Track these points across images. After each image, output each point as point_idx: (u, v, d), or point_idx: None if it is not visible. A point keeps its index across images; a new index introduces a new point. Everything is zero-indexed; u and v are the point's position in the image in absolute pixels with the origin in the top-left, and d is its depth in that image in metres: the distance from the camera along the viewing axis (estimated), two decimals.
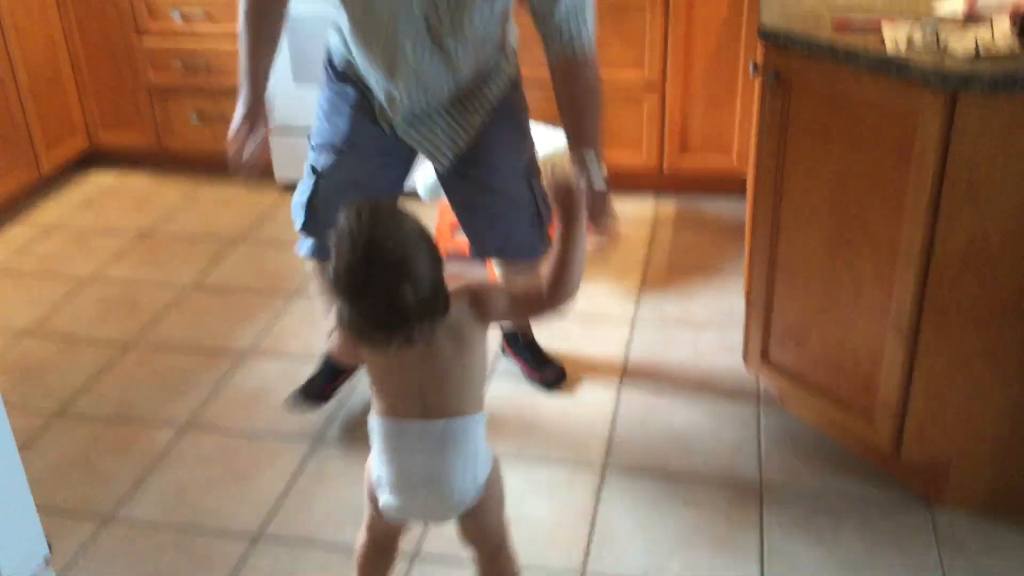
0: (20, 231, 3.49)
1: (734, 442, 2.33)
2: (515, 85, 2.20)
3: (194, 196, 3.72)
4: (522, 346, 2.57)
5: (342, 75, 2.11)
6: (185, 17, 3.57)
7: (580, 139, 2.03)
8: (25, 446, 2.39)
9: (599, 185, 2.04)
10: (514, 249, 2.26)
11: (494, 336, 2.79)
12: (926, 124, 1.78)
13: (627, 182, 3.57)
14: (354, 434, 2.38)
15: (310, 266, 2.33)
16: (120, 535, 2.12)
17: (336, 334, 1.64)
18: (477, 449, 1.58)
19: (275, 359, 2.71)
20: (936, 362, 1.95)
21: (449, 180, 2.20)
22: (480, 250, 2.29)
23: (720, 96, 3.34)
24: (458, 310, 1.50)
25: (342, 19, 1.98)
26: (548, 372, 2.54)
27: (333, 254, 1.39)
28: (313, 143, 2.16)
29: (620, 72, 3.36)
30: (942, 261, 1.86)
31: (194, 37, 3.60)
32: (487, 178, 2.17)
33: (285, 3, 2.05)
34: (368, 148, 2.12)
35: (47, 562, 1.05)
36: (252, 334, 2.82)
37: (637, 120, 3.42)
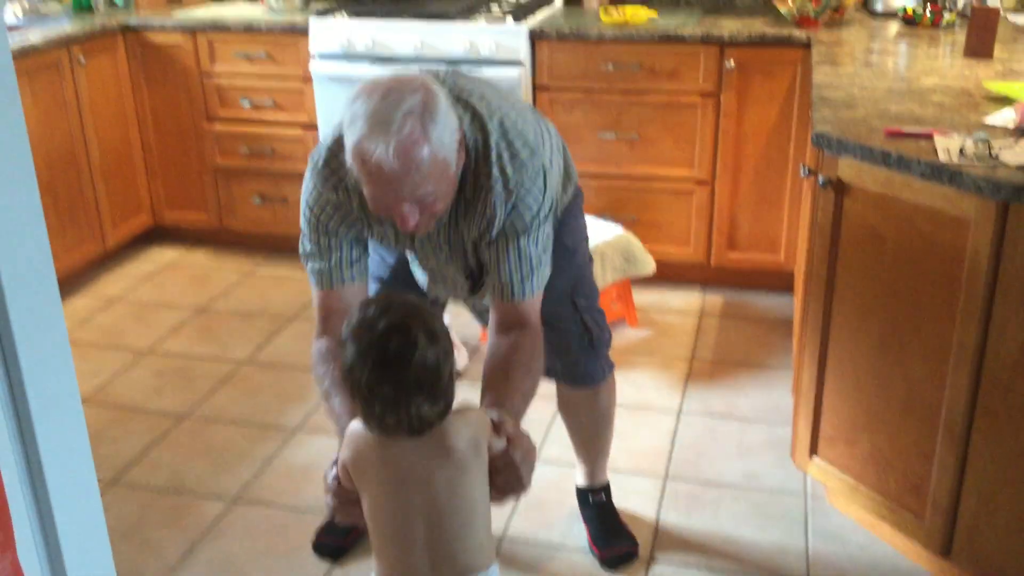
0: (84, 303, 3.61)
1: (781, 540, 2.31)
2: (568, 209, 2.06)
3: (252, 274, 3.83)
4: (592, 508, 2.35)
5: None
6: (254, 105, 3.73)
7: (499, 402, 1.67)
8: None
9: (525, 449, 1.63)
10: (571, 379, 2.17)
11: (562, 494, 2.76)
12: (978, 231, 1.82)
13: (675, 275, 3.63)
14: None
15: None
16: None
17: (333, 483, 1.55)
18: None
19: (324, 436, 2.75)
20: (988, 465, 1.94)
21: None
22: (546, 373, 2.18)
23: (769, 195, 3.40)
24: (480, 421, 1.50)
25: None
26: (611, 550, 2.25)
27: (348, 318, 1.44)
28: None
29: (670, 169, 3.44)
30: (994, 365, 1.87)
31: (261, 124, 3.76)
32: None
33: None
34: (411, 280, 2.11)
35: None
36: (302, 410, 2.88)
37: (686, 215, 3.50)
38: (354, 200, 1.74)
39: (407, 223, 1.61)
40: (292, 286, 3.71)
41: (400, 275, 2.10)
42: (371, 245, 2.13)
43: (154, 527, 2.40)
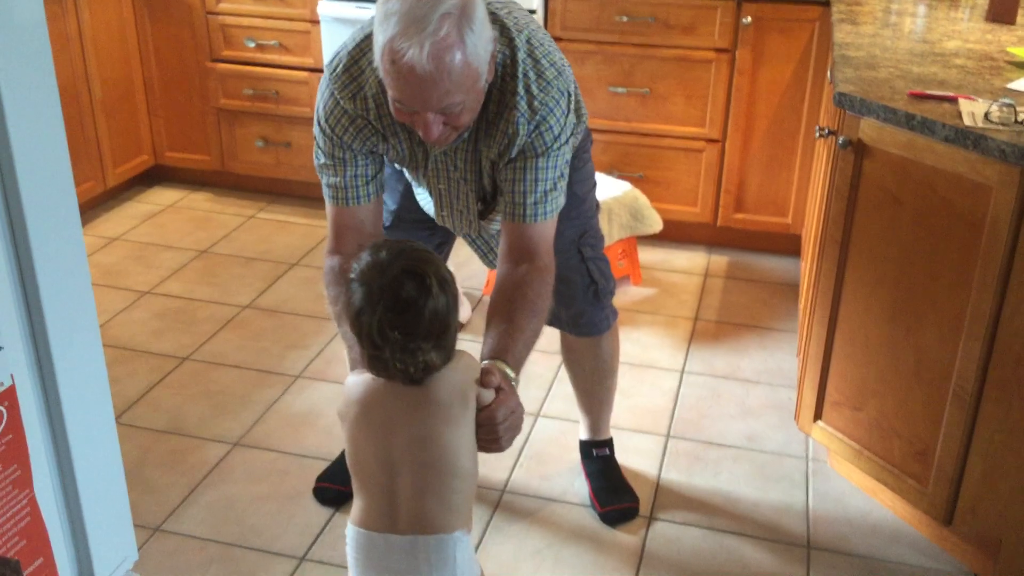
0: (84, 241, 3.57)
1: (781, 502, 2.32)
2: (577, 153, 2.03)
3: (254, 218, 3.79)
4: (595, 462, 2.35)
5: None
6: (259, 46, 3.66)
7: (507, 351, 1.61)
8: None
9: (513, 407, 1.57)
10: (576, 328, 2.16)
11: (568, 449, 2.76)
12: (999, 198, 1.79)
13: (681, 235, 3.60)
14: None
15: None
16: (167, 547, 2.14)
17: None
18: (455, 575, 1.43)
19: (325, 383, 2.74)
20: (996, 436, 1.94)
21: None
22: (549, 321, 2.22)
23: (779, 157, 3.36)
24: (469, 368, 1.46)
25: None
26: (612, 506, 2.25)
27: (357, 259, 1.40)
28: None
29: (681, 127, 3.40)
30: (1008, 336, 1.86)
31: (266, 65, 3.70)
32: None
33: None
34: (413, 223, 2.08)
35: (135, 567, 1.07)
36: (304, 357, 2.86)
37: (695, 174, 3.46)
38: (371, 110, 1.68)
39: (429, 132, 1.55)
40: (294, 231, 3.68)
41: (406, 207, 2.06)
42: None
43: (155, 468, 2.39)
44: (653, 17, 3.27)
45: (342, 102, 1.69)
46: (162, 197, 3.97)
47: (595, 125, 3.42)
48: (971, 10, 2.92)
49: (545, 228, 1.74)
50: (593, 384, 2.28)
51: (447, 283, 1.40)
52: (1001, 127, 1.81)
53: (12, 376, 0.83)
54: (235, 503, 2.27)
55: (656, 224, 3.25)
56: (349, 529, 1.48)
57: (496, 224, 1.93)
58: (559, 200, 1.76)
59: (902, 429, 2.11)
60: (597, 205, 2.14)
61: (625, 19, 3.29)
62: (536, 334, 1.69)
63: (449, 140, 1.65)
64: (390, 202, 2.08)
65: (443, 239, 2.15)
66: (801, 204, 3.37)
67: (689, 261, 3.51)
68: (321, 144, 1.75)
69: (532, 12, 3.30)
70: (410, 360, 1.38)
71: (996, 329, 1.87)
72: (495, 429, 1.47)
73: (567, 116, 1.70)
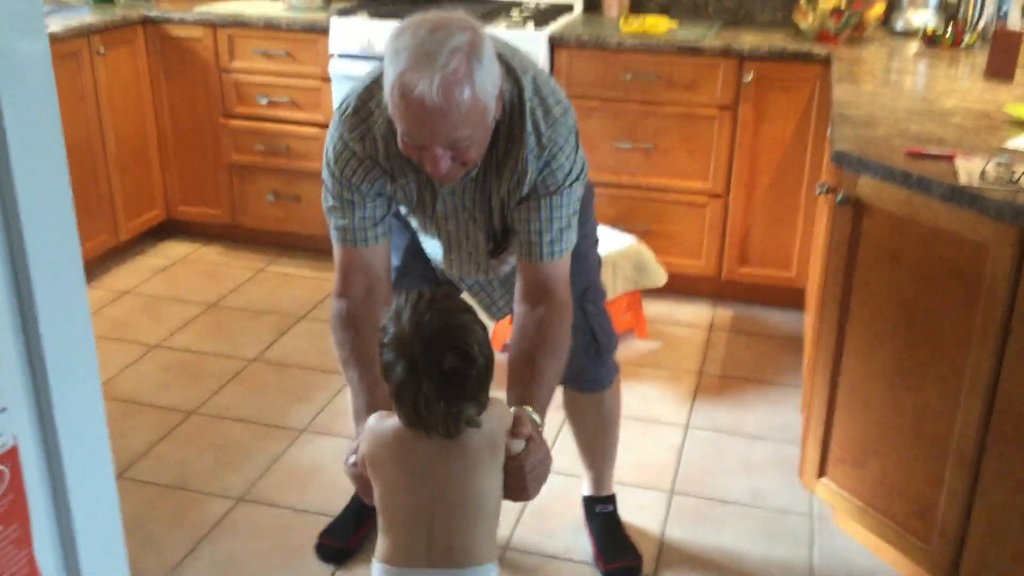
0: (94, 295, 3.61)
1: (786, 560, 2.30)
2: (580, 212, 2.01)
3: (263, 271, 3.83)
4: (597, 519, 2.33)
5: (402, 216, 2.10)
6: (271, 102, 3.73)
7: (531, 399, 1.63)
8: None
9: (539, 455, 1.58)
10: (578, 384, 2.16)
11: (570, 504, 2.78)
12: (997, 256, 1.80)
13: (685, 288, 3.62)
14: None
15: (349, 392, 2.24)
16: None
17: (357, 448, 1.55)
18: None
19: (330, 437, 2.75)
20: (998, 494, 1.93)
21: (505, 315, 2.13)
22: (568, 384, 2.20)
23: (782, 212, 3.39)
24: (499, 415, 1.49)
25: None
26: (615, 563, 2.23)
27: (392, 321, 1.40)
28: None
29: (685, 181, 3.44)
30: (1009, 393, 1.86)
31: (277, 121, 3.76)
32: None
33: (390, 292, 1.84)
34: (417, 278, 2.07)
35: None
36: (310, 410, 2.87)
37: (699, 228, 3.49)
38: (380, 151, 1.70)
39: (438, 167, 1.57)
40: (303, 284, 3.71)
41: (410, 262, 2.07)
42: None
43: (158, 524, 2.39)
44: (656, 75, 3.33)
45: (351, 144, 1.72)
46: (173, 250, 4.02)
47: (600, 179, 3.46)
48: (971, 68, 2.96)
49: (561, 265, 1.77)
50: (596, 438, 2.28)
51: (485, 344, 1.42)
52: (997, 187, 1.83)
53: (15, 436, 0.85)
54: (237, 559, 2.27)
55: (660, 278, 3.27)
56: (377, 567, 1.50)
57: (506, 267, 1.95)
58: (572, 238, 1.79)
59: (904, 487, 2.11)
60: (599, 261, 2.16)
61: (629, 76, 3.35)
62: (558, 376, 1.72)
63: (457, 177, 1.67)
64: (394, 258, 2.10)
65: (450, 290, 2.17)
66: (804, 258, 3.39)
67: (694, 314, 3.53)
68: (330, 187, 1.77)
69: None
70: (453, 423, 1.41)
71: (996, 387, 1.87)
72: (523, 478, 1.51)
73: (576, 152, 1.74)
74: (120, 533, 1.02)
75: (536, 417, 1.58)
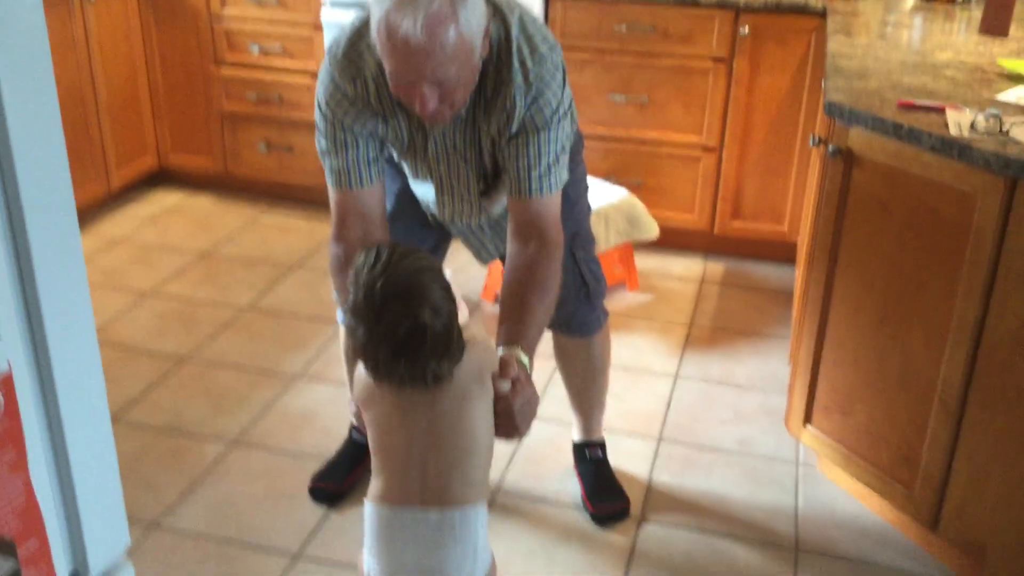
0: (86, 243, 3.62)
1: (771, 505, 2.35)
2: (571, 155, 2.00)
3: (255, 221, 3.84)
4: (588, 464, 2.38)
5: (394, 161, 2.11)
6: (263, 51, 3.71)
7: (519, 336, 1.66)
8: None
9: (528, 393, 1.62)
10: (568, 329, 2.20)
11: (558, 446, 2.80)
12: (984, 207, 1.82)
13: (678, 241, 3.63)
14: None
15: (342, 332, 2.24)
16: (163, 543, 2.17)
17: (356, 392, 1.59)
18: (476, 545, 1.51)
19: (323, 384, 2.77)
20: (980, 442, 1.97)
21: (501, 256, 2.13)
22: (558, 327, 2.22)
23: (776, 165, 3.40)
24: (485, 354, 1.53)
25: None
26: (603, 506, 2.29)
27: (352, 284, 1.44)
28: None
29: (679, 134, 3.44)
30: (993, 342, 1.89)
31: (269, 70, 3.74)
32: None
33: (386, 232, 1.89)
34: (409, 223, 2.10)
35: (128, 553, 1.11)
36: (303, 358, 2.90)
37: (692, 181, 3.49)
38: (371, 92, 1.72)
39: (425, 106, 1.59)
40: (295, 234, 3.72)
41: (402, 207, 2.08)
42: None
43: (153, 467, 2.42)
44: (652, 26, 3.31)
45: (342, 85, 1.73)
46: (165, 199, 4.01)
47: (594, 132, 3.46)
48: (966, 22, 2.95)
49: (551, 202, 1.78)
50: (585, 384, 2.31)
51: (439, 307, 1.43)
52: (986, 137, 1.84)
53: (9, 362, 0.86)
54: (231, 501, 2.31)
55: (653, 231, 3.28)
56: (369, 507, 1.53)
57: (497, 207, 1.97)
58: (562, 174, 1.80)
59: (889, 434, 2.14)
60: (589, 208, 2.17)
61: (624, 28, 3.33)
62: (548, 314, 1.75)
63: (447, 117, 1.69)
64: (387, 201, 2.11)
65: (439, 239, 2.18)
66: (797, 212, 3.41)
67: (686, 268, 3.55)
68: (322, 128, 1.78)
69: None
70: (420, 377, 1.45)
71: (981, 336, 1.90)
72: (512, 417, 1.55)
73: (563, 89, 1.75)
74: (114, 461, 1.04)
75: (523, 356, 1.61)
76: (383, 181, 1.84)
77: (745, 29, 3.22)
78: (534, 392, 1.60)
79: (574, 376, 2.31)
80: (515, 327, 1.65)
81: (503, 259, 2.06)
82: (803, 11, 3.18)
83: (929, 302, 1.98)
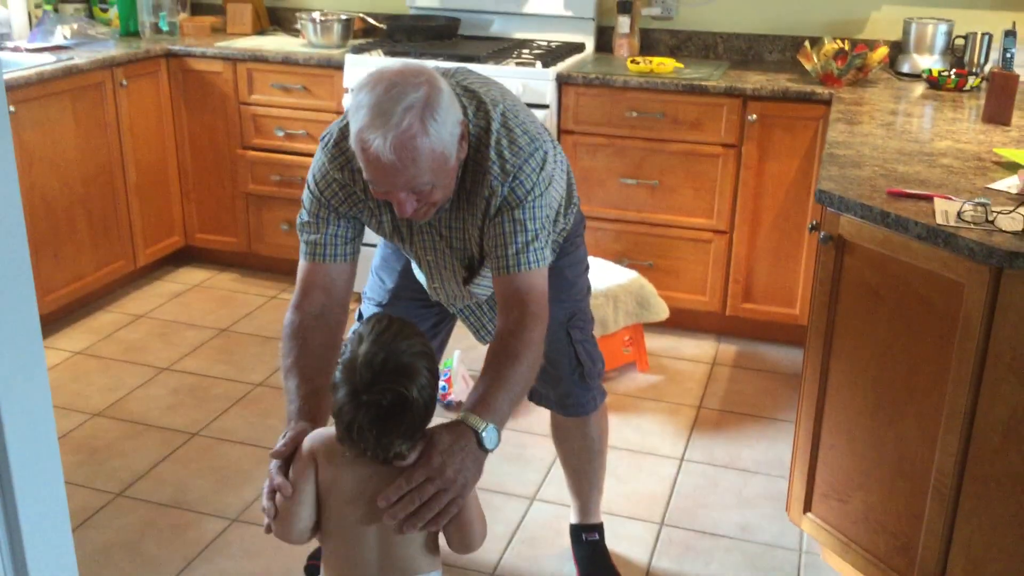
0: (110, 318, 3.71)
1: None
2: (570, 239, 2.11)
3: (275, 298, 3.91)
4: (584, 547, 2.37)
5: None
6: (288, 135, 3.83)
7: (484, 402, 1.60)
8: (82, 524, 2.50)
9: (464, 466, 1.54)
10: (563, 408, 2.22)
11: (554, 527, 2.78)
12: (971, 296, 1.83)
13: (690, 323, 3.65)
14: None
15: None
16: None
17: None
18: None
19: None
20: (976, 531, 1.93)
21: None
22: (537, 400, 2.25)
23: (786, 249, 3.42)
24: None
25: None
26: None
27: (352, 345, 1.48)
28: (364, 294, 2.23)
29: (690, 218, 3.48)
30: (985, 430, 1.87)
31: (293, 153, 3.86)
32: None
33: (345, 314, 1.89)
34: (410, 302, 2.14)
35: None
36: None
37: (703, 264, 3.52)
38: (358, 181, 1.78)
39: (403, 210, 1.66)
40: None
41: (404, 285, 2.13)
42: (376, 255, 2.18)
43: (154, 541, 2.45)
44: (662, 113, 3.38)
45: (332, 172, 1.80)
46: (190, 277, 4.11)
47: (606, 215, 3.52)
48: (973, 111, 2.99)
49: (532, 278, 1.77)
50: (581, 463, 2.31)
51: (429, 387, 1.48)
52: (972, 226, 1.85)
53: None
54: None
55: (662, 312, 3.30)
56: None
57: (481, 291, 1.99)
58: (544, 252, 1.80)
59: (887, 522, 2.11)
60: (589, 289, 2.21)
61: (635, 115, 3.40)
62: (523, 384, 1.68)
63: (428, 215, 1.74)
64: (388, 281, 2.17)
65: (440, 317, 2.21)
66: (808, 295, 3.41)
67: (697, 349, 3.55)
68: (308, 205, 1.84)
69: (545, 107, 3.43)
70: (381, 452, 1.48)
71: (973, 424, 1.89)
72: (399, 500, 1.47)
73: (540, 172, 1.77)
74: (69, 541, 1.07)
75: (478, 422, 1.55)
76: (355, 262, 1.89)
77: (753, 116, 3.28)
78: (443, 479, 1.48)
79: (570, 456, 2.31)
80: (481, 395, 1.62)
81: None
82: (810, 99, 3.23)
83: (921, 389, 1.98)
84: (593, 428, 2.25)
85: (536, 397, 2.25)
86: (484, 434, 1.54)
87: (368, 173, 1.63)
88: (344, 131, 1.78)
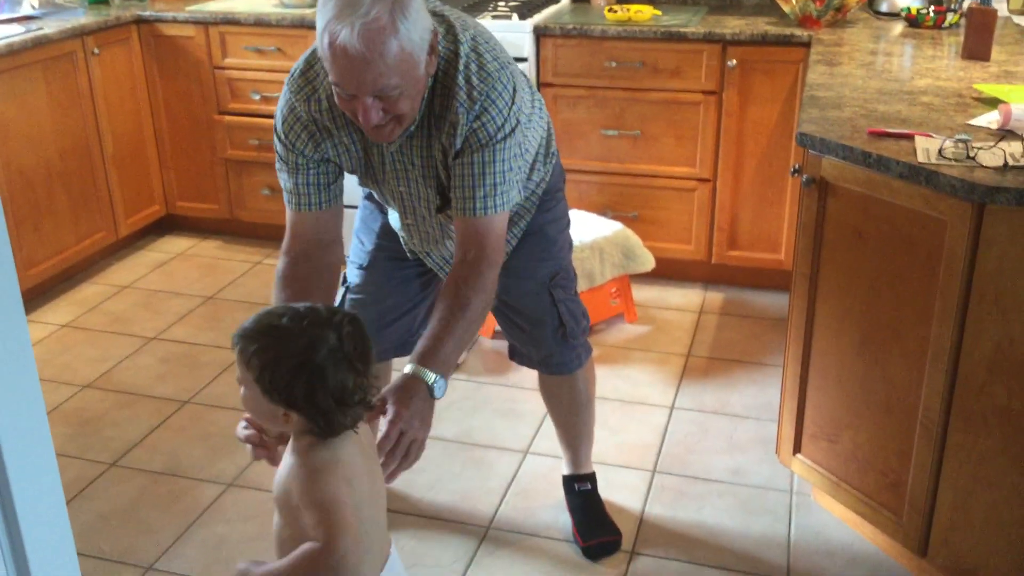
0: (95, 290, 3.69)
1: (764, 535, 2.34)
2: (550, 193, 2.09)
3: (259, 264, 3.90)
4: (577, 497, 2.39)
5: (374, 198, 2.16)
6: (264, 98, 3.79)
7: (431, 354, 1.65)
8: (77, 495, 2.51)
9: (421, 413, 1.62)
10: (546, 367, 2.22)
11: (547, 477, 2.80)
12: (954, 232, 1.83)
13: (676, 272, 3.65)
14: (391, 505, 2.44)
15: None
16: None
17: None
18: None
19: None
20: (963, 465, 1.96)
21: None
22: (520, 360, 2.26)
23: (770, 195, 3.42)
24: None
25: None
26: (594, 540, 2.29)
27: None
28: (348, 258, 2.21)
29: (672, 167, 3.47)
30: (970, 366, 1.89)
31: (270, 116, 3.82)
32: (505, 296, 2.09)
33: (338, 259, 1.91)
34: (388, 264, 2.13)
35: None
36: None
37: (688, 213, 3.52)
38: (325, 111, 1.76)
39: (369, 118, 1.62)
40: None
41: (383, 246, 2.12)
42: (357, 216, 2.16)
43: (150, 509, 2.46)
44: (641, 62, 3.36)
45: (297, 106, 1.78)
46: (173, 245, 4.09)
47: (588, 167, 3.50)
48: (952, 48, 2.98)
49: (493, 221, 1.77)
50: (570, 417, 2.32)
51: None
52: (953, 163, 1.85)
53: None
54: (226, 542, 2.34)
55: (648, 263, 3.30)
56: None
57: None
58: (510, 195, 1.80)
59: (875, 461, 2.14)
60: (570, 244, 2.20)
61: (614, 64, 3.38)
62: (471, 332, 1.73)
63: (394, 135, 1.71)
64: (367, 241, 2.15)
65: (424, 280, 2.19)
66: (793, 240, 3.41)
67: (684, 298, 3.56)
68: (279, 151, 1.84)
69: (523, 59, 3.40)
70: (370, 391, 1.43)
71: (958, 361, 1.90)
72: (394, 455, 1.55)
73: (510, 108, 1.75)
74: (64, 512, 1.07)
75: (428, 374, 1.61)
76: (336, 207, 1.88)
77: (733, 62, 3.26)
78: (410, 429, 1.56)
79: (559, 410, 2.32)
80: (430, 345, 1.65)
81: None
82: (789, 42, 3.21)
83: (907, 327, 1.99)
84: (580, 383, 2.26)
85: (519, 358, 2.26)
86: (435, 385, 1.61)
87: (334, 73, 1.59)
88: (310, 59, 1.77)
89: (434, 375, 1.62)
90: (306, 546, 1.37)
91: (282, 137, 1.81)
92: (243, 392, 1.43)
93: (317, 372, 1.36)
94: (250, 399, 1.42)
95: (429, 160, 1.81)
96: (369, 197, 2.17)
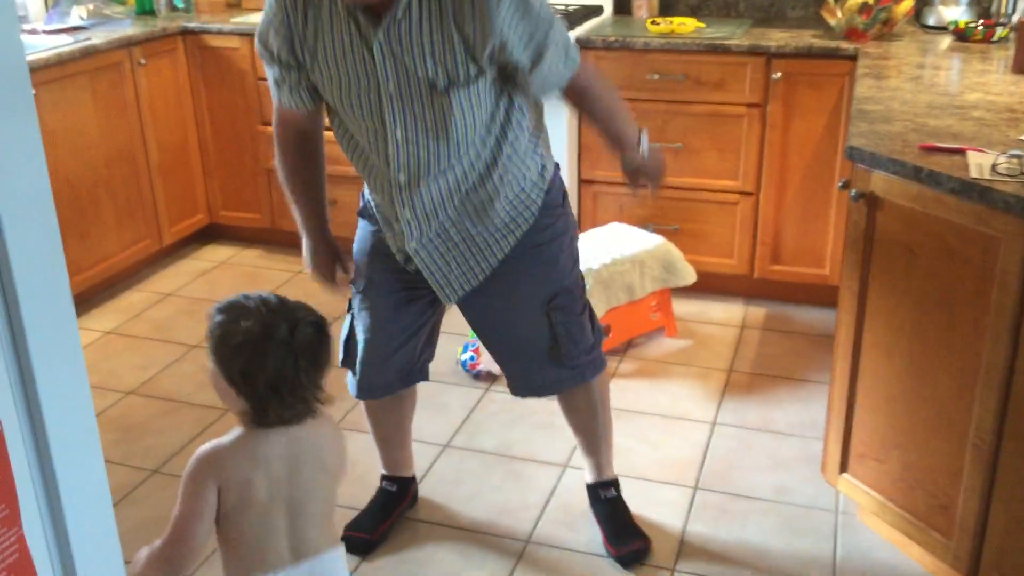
0: (138, 297, 3.73)
1: (808, 554, 2.30)
2: (549, 209, 2.03)
3: (300, 273, 3.92)
4: (602, 505, 2.37)
5: (367, 212, 2.15)
6: None
7: (624, 140, 2.08)
8: (120, 501, 2.53)
9: (651, 157, 2.12)
10: (535, 389, 2.20)
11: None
12: (1008, 249, 1.79)
13: (718, 286, 3.62)
14: (413, 512, 2.44)
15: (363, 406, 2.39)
16: None
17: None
18: None
19: (358, 434, 2.80)
20: (1016, 487, 1.91)
21: (463, 303, 2.10)
22: (512, 386, 2.23)
23: (814, 209, 3.38)
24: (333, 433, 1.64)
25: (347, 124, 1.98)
26: (624, 548, 2.28)
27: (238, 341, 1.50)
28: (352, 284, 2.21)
29: (715, 180, 3.44)
30: (1023, 386, 1.84)
31: None
32: (501, 313, 2.08)
33: (320, 137, 2.10)
34: (386, 285, 2.11)
35: None
36: (340, 408, 2.94)
37: (730, 226, 3.49)
38: (311, 10, 1.79)
39: None
40: None
41: (378, 262, 2.12)
42: (357, 236, 2.20)
43: None
44: (684, 75, 3.34)
45: (278, 10, 1.81)
46: (216, 254, 4.13)
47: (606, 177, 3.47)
48: (1002, 62, 2.93)
49: (554, 35, 1.85)
50: (588, 424, 2.30)
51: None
52: (1008, 178, 1.82)
53: None
54: None
55: (689, 276, 3.27)
56: None
57: (464, 150, 1.88)
58: (572, 53, 1.93)
59: (925, 481, 2.10)
60: (576, 260, 2.13)
61: (657, 77, 3.36)
62: (620, 102, 2.09)
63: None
64: (364, 263, 2.14)
65: (423, 305, 2.13)
66: (838, 255, 3.37)
67: (726, 313, 3.52)
68: (260, 50, 1.92)
69: None
70: (312, 395, 1.52)
71: (1011, 380, 1.86)
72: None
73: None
74: (110, 510, 1.08)
75: (643, 140, 2.07)
76: (319, 110, 1.99)
77: (778, 75, 3.23)
78: (649, 157, 2.08)
79: (577, 417, 2.30)
80: (612, 134, 2.07)
81: (465, 301, 2.07)
82: (835, 55, 3.18)
83: (958, 345, 1.95)
84: (595, 385, 2.24)
85: (508, 382, 2.23)
86: (643, 137, 2.09)
87: None
88: None
89: (637, 135, 2.06)
90: (156, 542, 1.60)
91: (263, 50, 1.89)
92: (208, 365, 1.53)
93: (259, 354, 1.45)
94: (211, 372, 1.52)
95: (439, 44, 1.74)
96: (363, 212, 2.15)
